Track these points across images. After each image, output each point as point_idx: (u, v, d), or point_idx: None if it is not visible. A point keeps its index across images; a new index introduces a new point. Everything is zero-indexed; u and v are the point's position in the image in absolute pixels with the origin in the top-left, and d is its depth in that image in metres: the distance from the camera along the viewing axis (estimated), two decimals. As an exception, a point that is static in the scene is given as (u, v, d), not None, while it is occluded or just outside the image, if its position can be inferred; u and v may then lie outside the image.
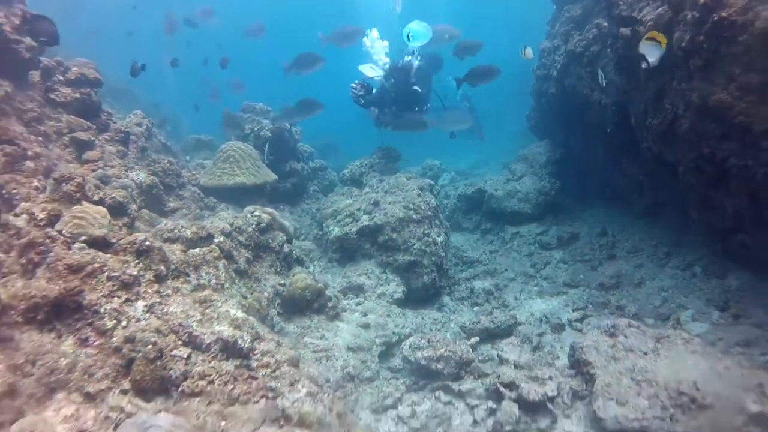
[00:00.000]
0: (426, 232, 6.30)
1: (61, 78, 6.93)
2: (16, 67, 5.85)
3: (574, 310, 5.63)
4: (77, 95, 6.86)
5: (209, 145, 10.60)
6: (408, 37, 7.00)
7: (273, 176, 7.74)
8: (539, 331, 5.20)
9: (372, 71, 8.02)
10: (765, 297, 4.91)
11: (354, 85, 7.62)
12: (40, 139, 5.82)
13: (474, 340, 5.04)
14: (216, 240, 4.53)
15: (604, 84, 5.97)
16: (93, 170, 5.88)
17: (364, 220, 6.42)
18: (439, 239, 6.40)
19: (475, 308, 6.17)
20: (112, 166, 6.22)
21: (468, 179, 10.86)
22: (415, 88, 7.80)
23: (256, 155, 7.84)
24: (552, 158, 8.91)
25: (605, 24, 6.79)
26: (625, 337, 3.94)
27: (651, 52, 4.04)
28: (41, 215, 4.13)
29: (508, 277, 6.91)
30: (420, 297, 6.25)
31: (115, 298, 3.62)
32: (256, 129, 8.79)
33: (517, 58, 7.09)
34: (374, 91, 7.78)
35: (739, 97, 4.23)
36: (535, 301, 6.16)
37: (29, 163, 5.24)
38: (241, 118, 9.15)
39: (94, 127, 6.88)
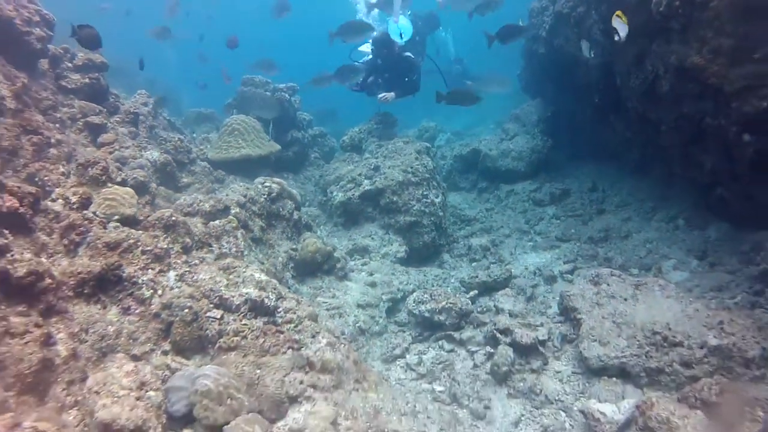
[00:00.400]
0: (424, 193, 6.67)
1: (69, 65, 7.17)
2: (28, 57, 6.08)
3: (565, 263, 6.05)
4: (86, 80, 7.12)
5: (210, 118, 10.87)
6: (400, 36, 7.28)
7: (276, 147, 8.06)
8: (533, 283, 5.63)
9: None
10: (739, 246, 5.31)
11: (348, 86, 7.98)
12: (57, 125, 6.11)
13: (473, 293, 5.48)
14: (232, 211, 4.92)
15: (591, 56, 6.22)
16: (110, 152, 6.21)
17: (366, 185, 6.78)
18: (437, 200, 6.78)
19: (473, 264, 6.59)
20: (127, 147, 6.54)
21: (464, 139, 11.17)
22: (407, 54, 8.00)
23: (259, 127, 8.13)
24: (543, 117, 9.22)
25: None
26: (608, 285, 4.38)
27: (620, 28, 4.35)
28: (74, 199, 4.51)
29: (504, 234, 7.32)
30: (421, 255, 6.67)
31: (150, 270, 4.03)
32: (256, 99, 9.05)
33: (506, 18, 7.28)
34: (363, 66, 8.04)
35: (712, 59, 4.55)
36: (529, 256, 6.58)
37: (53, 150, 5.55)
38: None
39: (105, 110, 7.17)
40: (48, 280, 3.62)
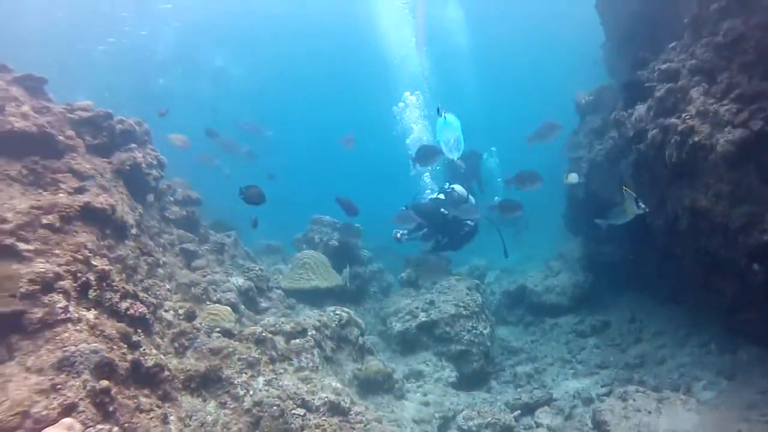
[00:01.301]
0: (474, 325, 7.48)
1: (171, 198, 8.75)
2: (145, 191, 7.52)
3: (602, 387, 6.58)
4: (184, 212, 8.64)
5: (277, 250, 12.27)
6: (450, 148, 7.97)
7: (341, 280, 9.16)
8: (572, 405, 6.18)
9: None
10: (768, 367, 5.81)
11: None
12: (160, 249, 7.45)
13: (516, 413, 6.08)
14: (309, 333, 5.88)
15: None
16: (203, 276, 7.42)
17: (422, 317, 7.67)
18: (486, 331, 7.56)
19: (518, 389, 7.17)
20: (216, 273, 7.78)
21: (512, 276, 12.02)
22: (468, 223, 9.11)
23: (327, 262, 9.32)
24: (584, 254, 10.07)
25: (617, 135, 8.13)
26: (634, 400, 4.99)
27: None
28: (181, 312, 5.66)
29: (547, 362, 7.90)
30: (471, 381, 7.30)
31: (244, 374, 4.99)
32: (324, 239, 10.39)
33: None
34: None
35: (716, 202, 5.50)
36: (570, 382, 7.11)
37: (160, 270, 6.81)
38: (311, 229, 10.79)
39: (197, 239, 8.59)
40: (167, 372, 4.65)
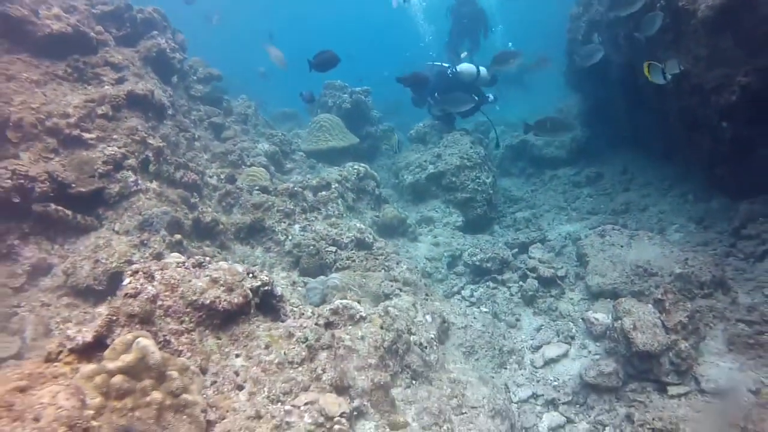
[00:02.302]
0: (477, 175, 8.30)
1: (194, 77, 9.26)
2: (170, 73, 8.06)
3: (590, 229, 7.54)
4: (207, 89, 9.18)
5: (292, 116, 12.89)
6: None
7: (356, 139, 9.89)
8: (563, 244, 7.17)
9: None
10: (734, 213, 6.66)
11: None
12: (192, 125, 8.14)
13: (514, 250, 7.09)
14: (333, 186, 6.74)
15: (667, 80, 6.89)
16: (234, 144, 8.18)
17: (430, 169, 8.48)
18: (488, 180, 8.40)
19: (517, 232, 8.16)
20: (244, 141, 8.51)
21: (516, 131, 12.66)
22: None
23: (342, 123, 9.98)
24: (582, 110, 10.63)
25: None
26: (610, 236, 5.93)
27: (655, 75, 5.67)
28: (223, 176, 6.48)
29: (545, 210, 8.84)
30: (476, 225, 8.28)
31: (282, 223, 5.91)
32: (338, 102, 10.94)
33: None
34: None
35: (694, 64, 6.00)
36: (563, 226, 8.07)
37: (197, 143, 7.57)
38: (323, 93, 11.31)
39: (222, 112, 9.21)
40: (221, 226, 5.58)
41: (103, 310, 2.78)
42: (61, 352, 2.54)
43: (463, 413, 3.35)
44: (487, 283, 6.46)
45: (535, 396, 4.56)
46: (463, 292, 6.41)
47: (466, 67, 8.95)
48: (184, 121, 7.57)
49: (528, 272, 6.05)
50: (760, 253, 5.62)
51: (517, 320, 5.60)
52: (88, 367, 2.31)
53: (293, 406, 2.39)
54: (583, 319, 5.14)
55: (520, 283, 6.11)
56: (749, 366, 4.27)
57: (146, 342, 2.32)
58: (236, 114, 9.66)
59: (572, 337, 5.16)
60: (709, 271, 5.01)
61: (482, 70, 9.01)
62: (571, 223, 8.13)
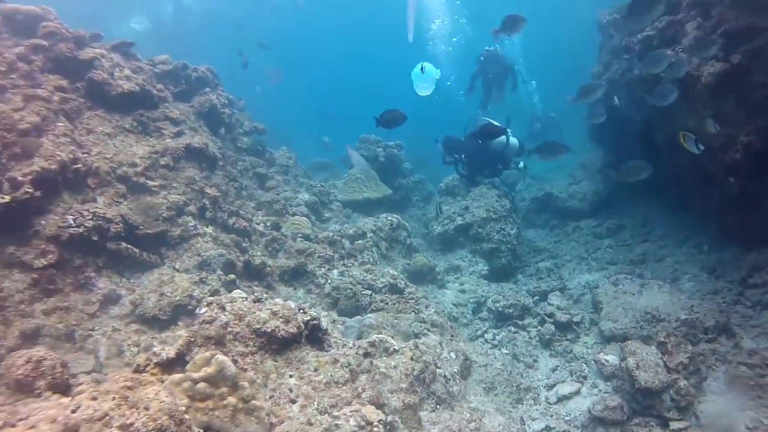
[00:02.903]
0: (502, 227, 8.90)
1: (240, 130, 10.19)
2: (219, 126, 8.97)
3: (608, 279, 8.01)
4: (251, 142, 10.09)
5: (328, 166, 13.79)
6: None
7: (389, 191, 10.63)
8: (581, 292, 7.66)
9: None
10: (743, 263, 7.09)
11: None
12: (239, 175, 8.98)
13: (535, 298, 7.60)
14: (368, 235, 7.43)
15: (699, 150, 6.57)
16: (276, 194, 8.98)
17: (458, 220, 9.12)
18: (512, 232, 8.98)
19: (539, 281, 8.67)
20: (285, 191, 9.32)
21: (541, 184, 13.27)
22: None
23: (376, 176, 10.75)
24: (604, 163, 11.19)
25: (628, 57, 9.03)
26: (623, 285, 6.42)
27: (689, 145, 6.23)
28: (269, 223, 7.22)
29: (566, 260, 9.33)
30: (500, 274, 8.80)
31: (322, 267, 6.59)
32: (372, 155, 11.77)
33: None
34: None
35: (701, 124, 6.57)
36: (583, 275, 8.54)
37: (244, 192, 8.38)
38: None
39: (265, 163, 10.08)
40: (268, 268, 6.28)
41: (183, 333, 3.47)
42: (148, 365, 3.23)
43: (480, 435, 3.89)
44: (509, 328, 6.97)
45: (548, 428, 5.03)
46: (486, 335, 6.93)
47: (498, 140, 9.70)
48: (232, 171, 8.43)
49: (546, 318, 6.57)
50: (766, 301, 6.04)
51: (535, 361, 6.09)
52: (177, 376, 2.98)
53: (339, 414, 2.99)
54: (594, 360, 5.61)
55: (539, 327, 6.61)
56: (749, 406, 4.68)
57: (224, 358, 2.98)
58: (278, 165, 10.54)
59: (585, 377, 5.63)
60: (713, 317, 5.46)
61: (513, 141, 9.77)
62: (590, 273, 8.60)
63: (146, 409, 2.64)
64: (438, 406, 3.94)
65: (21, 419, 2.72)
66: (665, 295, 6.05)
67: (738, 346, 5.31)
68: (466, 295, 7.79)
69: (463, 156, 10.17)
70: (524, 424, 5.03)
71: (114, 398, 2.72)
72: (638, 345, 4.95)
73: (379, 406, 3.27)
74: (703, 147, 6.05)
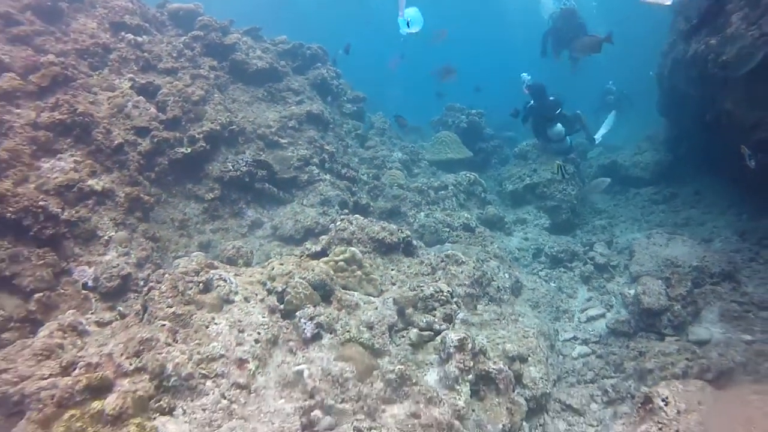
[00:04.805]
0: (564, 187, 10.42)
1: (345, 98, 12.11)
2: (328, 94, 10.93)
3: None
4: (354, 108, 12.01)
5: (417, 130, 15.56)
6: (407, 24, 9.35)
7: (470, 153, 12.32)
8: (625, 246, 9.13)
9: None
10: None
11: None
12: (345, 135, 10.94)
13: (585, 248, 9.17)
14: (449, 188, 9.23)
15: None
16: (375, 152, 10.90)
17: (527, 180, 10.72)
18: (573, 192, 10.48)
19: (593, 236, 10.16)
20: (382, 150, 11.23)
21: (611, 152, 14.44)
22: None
23: (458, 139, 12.46)
24: (668, 136, 12.28)
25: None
26: (654, 238, 7.90)
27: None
28: (371, 175, 9.12)
29: (621, 220, 10.72)
30: (560, 228, 10.34)
31: (412, 210, 8.48)
32: (456, 121, 13.45)
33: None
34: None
35: (736, 106, 7.75)
36: (633, 233, 9.96)
37: (349, 149, 10.35)
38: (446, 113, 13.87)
39: (364, 126, 12.01)
40: (371, 208, 8.17)
41: (323, 237, 5.49)
42: (302, 255, 5.26)
43: (517, 324, 5.71)
44: (560, 269, 8.64)
45: (575, 338, 6.76)
46: (540, 273, 8.63)
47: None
48: (340, 132, 10.44)
49: (588, 260, 8.19)
50: (776, 259, 7.38)
51: (575, 292, 7.78)
52: (325, 258, 5.00)
53: (423, 286, 4.90)
54: (620, 293, 7.22)
55: (582, 268, 8.24)
56: (730, 331, 6.20)
57: (354, 249, 4.96)
58: (375, 128, 12.45)
59: (611, 306, 7.28)
60: (719, 265, 6.91)
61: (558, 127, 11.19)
62: (640, 232, 10.00)
63: (312, 270, 4.65)
64: (490, 303, 5.79)
65: (237, 275, 4.82)
66: (687, 248, 7.50)
67: (736, 290, 6.75)
68: (528, 242, 9.47)
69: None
70: (557, 333, 6.79)
71: (292, 265, 4.77)
72: (649, 279, 6.54)
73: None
74: (754, 163, 7.14)
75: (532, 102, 11.16)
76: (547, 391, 4.69)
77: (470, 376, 3.80)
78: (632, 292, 6.99)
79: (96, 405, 3.11)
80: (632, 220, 10.69)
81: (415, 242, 5.85)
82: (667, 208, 10.75)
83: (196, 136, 7.51)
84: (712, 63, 8.00)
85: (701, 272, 6.94)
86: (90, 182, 5.98)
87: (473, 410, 3.78)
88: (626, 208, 11.40)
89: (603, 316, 7.13)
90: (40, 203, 5.28)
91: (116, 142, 6.62)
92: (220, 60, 9.36)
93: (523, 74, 11.88)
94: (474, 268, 5.75)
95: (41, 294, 4.91)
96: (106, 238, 5.82)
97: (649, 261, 7.56)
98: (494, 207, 10.09)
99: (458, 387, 3.70)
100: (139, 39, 8.33)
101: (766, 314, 6.33)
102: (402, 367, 3.60)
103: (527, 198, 10.71)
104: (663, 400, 3.84)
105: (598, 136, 12.77)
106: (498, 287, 6.17)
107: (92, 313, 4.99)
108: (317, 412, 3.15)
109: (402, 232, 5.66)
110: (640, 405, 4.02)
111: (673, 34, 11.28)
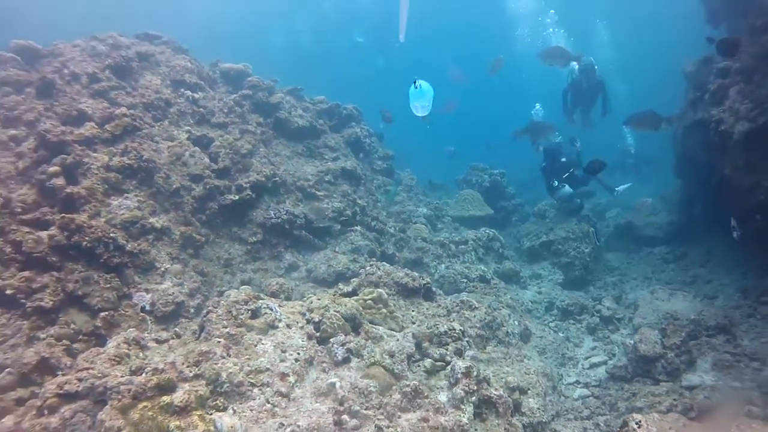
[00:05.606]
0: (578, 245, 11.16)
1: (376, 155, 13.19)
2: (360, 151, 12.01)
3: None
4: (384, 165, 13.06)
5: (442, 187, 16.54)
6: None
7: (491, 211, 13.20)
8: (632, 302, 9.76)
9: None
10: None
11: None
12: (375, 190, 11.93)
13: (595, 302, 9.83)
14: (469, 242, 10.08)
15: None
16: (402, 208, 11.86)
17: (543, 238, 11.50)
18: (587, 250, 11.21)
19: (604, 291, 10.80)
20: (408, 205, 12.18)
21: (629, 212, 15.12)
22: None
23: (481, 198, 13.37)
24: (682, 198, 12.99)
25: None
26: (657, 293, 8.57)
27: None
28: (397, 228, 10.04)
29: (632, 277, 11.35)
30: (573, 284, 11.01)
31: (434, 262, 9.34)
32: (479, 180, 14.40)
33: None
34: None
35: (734, 172, 8.48)
36: (641, 290, 10.57)
37: (378, 204, 11.31)
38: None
39: (393, 182, 13.01)
40: (397, 257, 9.05)
41: (354, 280, 6.37)
42: (336, 293, 6.13)
43: (521, 363, 6.43)
44: (570, 321, 9.31)
45: (577, 382, 7.40)
46: (551, 324, 9.31)
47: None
48: (370, 187, 11.44)
49: (595, 313, 8.87)
50: (772, 316, 7.96)
51: (581, 341, 8.43)
52: (355, 297, 5.85)
53: (438, 325, 5.70)
54: (622, 343, 7.87)
55: (588, 320, 8.91)
56: (721, 379, 6.79)
57: (381, 290, 5.82)
58: (403, 184, 13.46)
59: (614, 354, 7.92)
60: (715, 319, 7.53)
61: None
62: (648, 289, 10.61)
63: (345, 305, 5.50)
64: (498, 345, 6.55)
65: (281, 306, 5.69)
66: (687, 303, 8.15)
67: (730, 342, 7.35)
68: (542, 296, 10.18)
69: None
70: (561, 378, 7.44)
71: (328, 300, 5.64)
72: (647, 329, 7.21)
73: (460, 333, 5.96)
74: (738, 234, 8.05)
75: (544, 164, 12.12)
76: (544, 420, 5.38)
77: (474, 398, 4.55)
78: (632, 341, 7.65)
79: (165, 399, 3.95)
80: (643, 278, 11.31)
81: (434, 289, 6.69)
82: (676, 267, 11.35)
83: (244, 185, 8.54)
84: (713, 131, 8.83)
85: (698, 325, 7.55)
86: (151, 220, 7.03)
87: (476, 429, 4.52)
88: (638, 266, 12.02)
89: (605, 363, 7.76)
90: (111, 235, 6.31)
91: (174, 186, 7.71)
92: (266, 117, 10.53)
93: (536, 105, 12.84)
94: (485, 313, 6.54)
95: (106, 313, 5.85)
96: (162, 269, 6.80)
97: (651, 314, 8.21)
98: (511, 262, 10.87)
99: (463, 406, 4.45)
100: (196, 95, 9.54)
101: (756, 365, 6.92)
102: (416, 382, 4.40)
103: (543, 254, 11.47)
104: (636, 423, 4.52)
105: (619, 189, 13.43)
106: (507, 332, 6.92)
107: (148, 333, 5.89)
108: (345, 416, 3.96)
109: (423, 279, 6.51)
110: (618, 429, 4.69)
111: (685, 101, 12.14)
